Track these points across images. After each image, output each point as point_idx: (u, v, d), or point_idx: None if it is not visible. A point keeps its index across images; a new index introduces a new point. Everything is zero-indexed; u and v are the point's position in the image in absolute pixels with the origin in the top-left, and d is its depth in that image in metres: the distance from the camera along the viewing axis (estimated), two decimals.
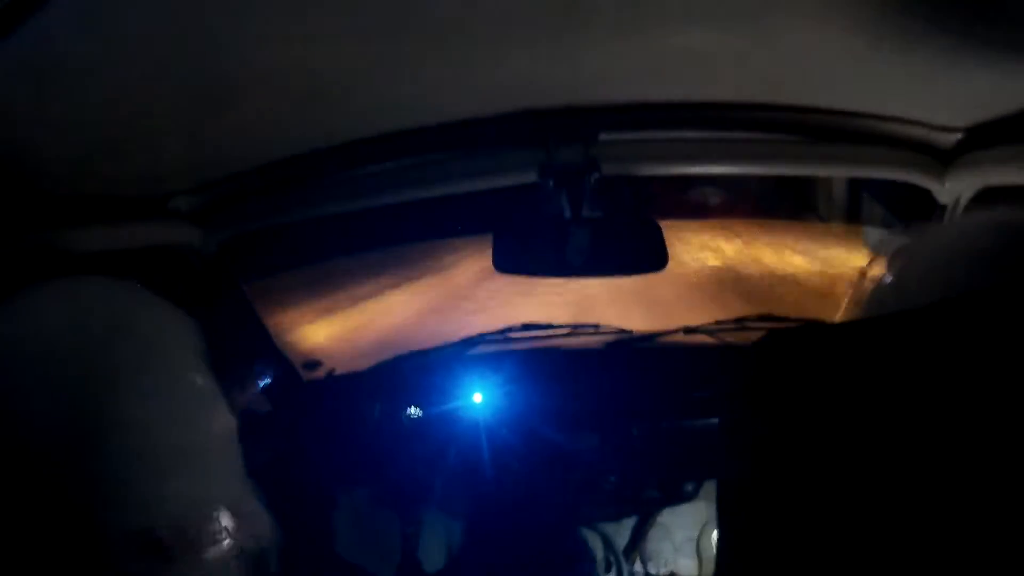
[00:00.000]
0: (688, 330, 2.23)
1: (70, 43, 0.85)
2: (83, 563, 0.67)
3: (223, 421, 0.78)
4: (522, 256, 1.67)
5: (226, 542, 0.74)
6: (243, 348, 2.00)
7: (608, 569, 2.25)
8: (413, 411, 2.11)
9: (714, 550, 2.27)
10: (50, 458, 0.67)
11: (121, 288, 0.80)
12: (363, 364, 2.33)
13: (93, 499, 0.67)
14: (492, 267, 1.67)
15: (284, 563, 0.83)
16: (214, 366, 0.80)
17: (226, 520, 0.74)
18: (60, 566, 0.67)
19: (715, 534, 2.24)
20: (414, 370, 2.28)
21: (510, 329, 2.37)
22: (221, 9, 0.85)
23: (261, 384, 1.70)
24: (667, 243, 1.59)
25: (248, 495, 0.79)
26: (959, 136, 1.50)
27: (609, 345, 2.24)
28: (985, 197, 1.55)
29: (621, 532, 2.29)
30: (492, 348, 2.32)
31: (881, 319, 0.71)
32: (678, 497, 2.24)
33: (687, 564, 2.28)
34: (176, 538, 0.70)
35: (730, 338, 2.17)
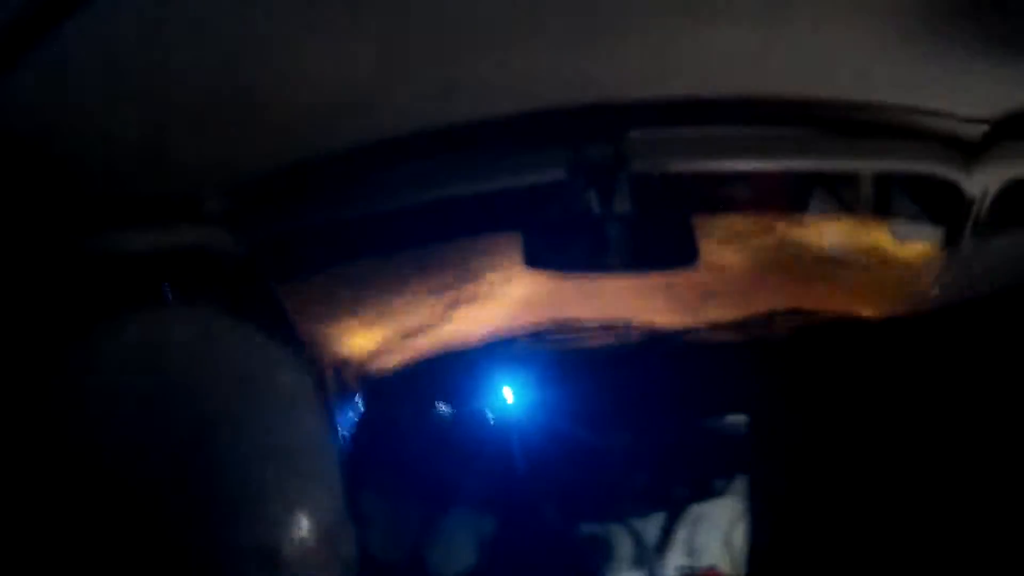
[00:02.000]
0: (718, 325, 2.23)
1: (100, 46, 0.87)
2: None
3: (312, 426, 0.80)
4: (552, 253, 1.67)
5: (324, 548, 0.76)
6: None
7: (638, 566, 2.25)
8: (446, 411, 2.12)
9: (744, 546, 2.26)
10: (152, 486, 0.69)
11: (196, 310, 0.83)
12: (394, 364, 2.35)
13: (206, 518, 0.69)
14: (522, 265, 1.68)
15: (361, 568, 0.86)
16: (308, 366, 0.82)
17: (324, 526, 0.76)
18: None
19: (745, 530, 2.24)
20: (445, 370, 2.29)
21: (540, 327, 2.38)
22: (254, 10, 0.87)
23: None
24: (697, 238, 1.60)
25: (342, 501, 0.81)
26: (986, 128, 1.50)
27: (640, 342, 2.24)
28: (1013, 189, 1.54)
29: (651, 529, 2.29)
30: (521, 346, 2.33)
31: (914, 315, 0.72)
32: (708, 494, 2.23)
33: (718, 560, 2.28)
34: (288, 547, 0.73)
35: (760, 333, 2.16)
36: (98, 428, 0.69)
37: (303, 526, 0.73)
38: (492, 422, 2.14)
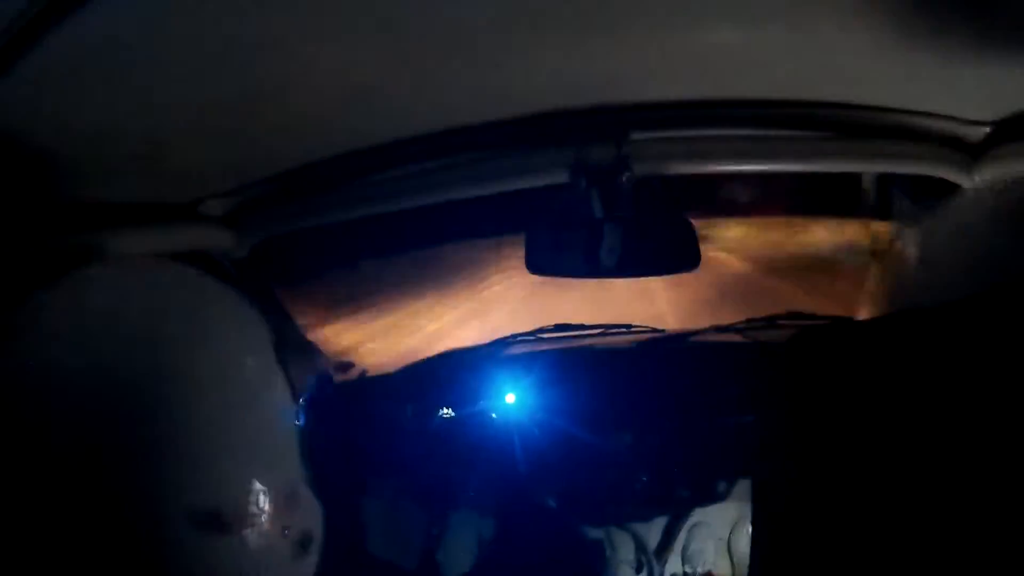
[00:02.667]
0: (719, 328, 2.23)
1: (101, 49, 0.87)
2: (147, 539, 0.70)
3: (280, 401, 0.80)
4: (554, 257, 1.67)
5: (276, 522, 0.76)
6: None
7: (639, 569, 2.25)
8: (445, 412, 2.12)
9: (746, 549, 2.26)
10: (108, 442, 0.69)
11: (169, 270, 0.82)
12: (395, 365, 2.35)
13: (157, 479, 0.69)
14: (524, 268, 1.68)
15: (323, 551, 0.86)
16: (274, 342, 0.82)
17: (278, 500, 0.77)
18: (123, 543, 0.69)
19: (747, 533, 2.24)
20: (446, 371, 2.29)
21: (542, 329, 2.38)
22: (254, 14, 0.87)
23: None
24: (699, 242, 1.59)
25: (298, 479, 0.81)
26: (988, 130, 1.50)
27: (641, 344, 2.25)
28: (1015, 190, 1.54)
29: (652, 532, 2.29)
30: (524, 348, 2.33)
31: (913, 316, 0.71)
32: (710, 496, 2.24)
33: (719, 563, 2.28)
34: (236, 515, 0.73)
35: (761, 336, 2.16)
36: (48, 387, 0.69)
37: (251, 494, 0.74)
38: (494, 423, 2.15)
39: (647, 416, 2.12)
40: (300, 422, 0.82)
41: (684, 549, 2.26)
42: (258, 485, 0.74)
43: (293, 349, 0.82)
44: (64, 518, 0.69)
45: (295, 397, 0.82)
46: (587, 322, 2.39)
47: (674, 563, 2.26)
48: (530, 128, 1.49)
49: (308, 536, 0.81)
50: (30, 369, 0.72)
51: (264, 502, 0.75)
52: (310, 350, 2.11)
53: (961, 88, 1.33)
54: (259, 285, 1.92)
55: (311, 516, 0.82)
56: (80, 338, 0.72)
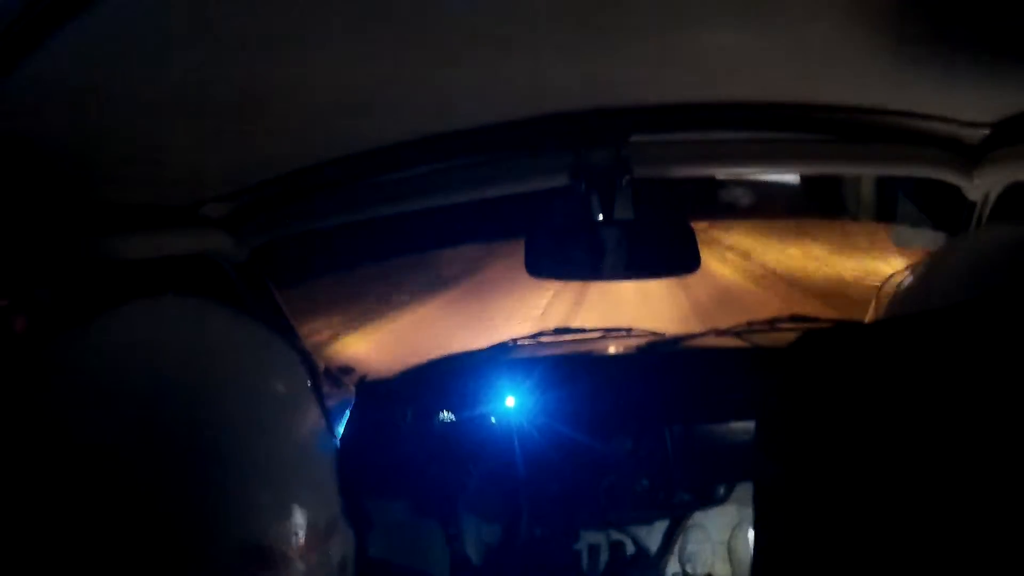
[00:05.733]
0: (719, 332, 2.23)
1: (102, 51, 0.87)
2: (194, 573, 0.70)
3: (308, 428, 0.80)
4: (554, 259, 1.67)
5: (319, 551, 0.77)
6: None
7: (640, 571, 2.25)
8: (446, 415, 2.12)
9: (746, 552, 2.27)
10: (148, 480, 0.69)
11: (195, 305, 0.82)
12: (396, 369, 2.35)
13: (198, 515, 0.70)
14: (524, 271, 1.68)
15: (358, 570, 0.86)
16: (302, 370, 0.82)
17: (318, 529, 0.77)
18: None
19: (747, 536, 2.24)
20: (446, 375, 2.29)
21: (542, 333, 2.38)
22: (254, 18, 0.87)
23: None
24: (698, 244, 1.59)
25: (337, 502, 0.81)
26: (987, 132, 1.50)
27: (641, 348, 2.24)
28: (1014, 192, 1.55)
29: (653, 535, 2.29)
30: (524, 352, 2.33)
31: (915, 318, 0.71)
32: (710, 500, 2.23)
33: (720, 566, 2.28)
34: (281, 546, 0.73)
35: (761, 339, 2.16)
36: (93, 424, 0.69)
37: (295, 526, 0.74)
38: (494, 427, 2.14)
39: (647, 419, 2.12)
40: (336, 446, 0.82)
41: (681, 552, 2.27)
42: (300, 516, 0.75)
43: (321, 372, 0.83)
44: (107, 558, 0.69)
45: (328, 421, 0.83)
46: (587, 325, 2.39)
47: (673, 565, 2.26)
48: (530, 131, 1.49)
49: (345, 561, 0.81)
50: (66, 405, 0.72)
51: (307, 532, 0.75)
52: (339, 371, 2.11)
53: (960, 90, 1.33)
54: (259, 288, 1.92)
55: (348, 541, 0.82)
56: (111, 379, 0.72)
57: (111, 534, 0.68)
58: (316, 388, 0.83)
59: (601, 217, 1.57)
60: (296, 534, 0.74)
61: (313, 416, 0.81)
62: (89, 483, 0.68)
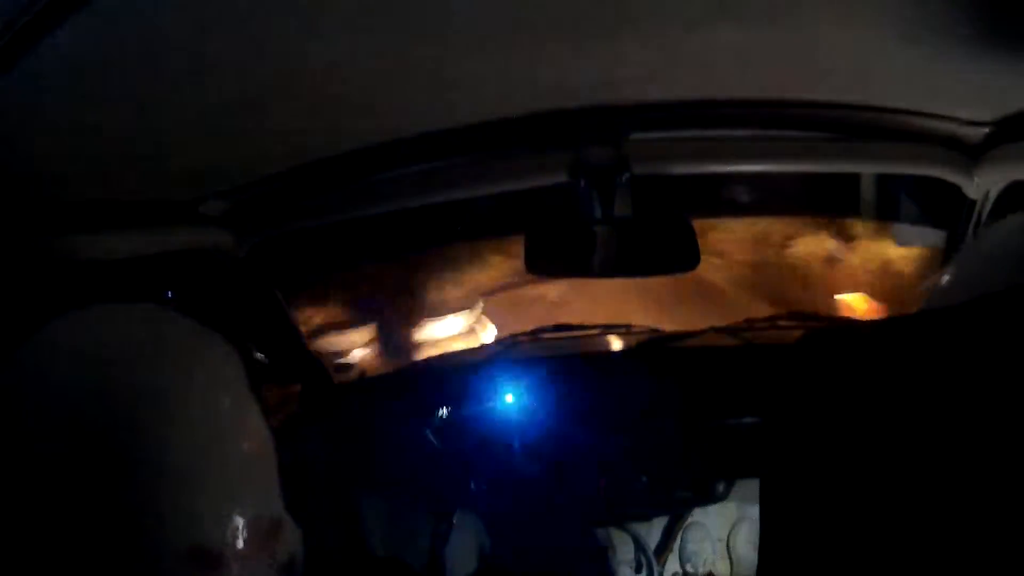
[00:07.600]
0: (719, 330, 2.22)
1: (101, 48, 0.87)
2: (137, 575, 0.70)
3: (257, 434, 0.81)
4: (554, 257, 1.67)
5: (263, 552, 0.77)
6: (275, 352, 2.02)
7: (639, 569, 2.25)
8: (444, 412, 2.12)
9: (745, 550, 2.27)
10: (91, 484, 0.70)
11: (145, 311, 0.83)
12: (394, 366, 2.35)
13: (141, 519, 0.70)
14: (523, 268, 1.67)
15: (312, 567, 0.86)
16: (247, 376, 0.83)
17: (261, 531, 0.77)
18: None
19: (746, 534, 2.24)
20: (445, 371, 2.29)
21: (542, 330, 2.38)
22: (252, 14, 0.87)
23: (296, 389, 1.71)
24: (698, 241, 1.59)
25: (280, 504, 0.82)
26: (987, 130, 1.50)
27: (641, 345, 2.24)
28: (1015, 191, 1.54)
29: (652, 532, 2.29)
30: (523, 349, 2.33)
31: (916, 317, 0.71)
32: (709, 497, 2.24)
33: (719, 564, 2.28)
34: (225, 551, 0.74)
35: (761, 338, 2.16)
36: (33, 428, 0.70)
37: (237, 527, 0.74)
38: (492, 424, 2.14)
39: (646, 417, 2.12)
40: (278, 450, 0.83)
41: (682, 550, 2.27)
42: (241, 519, 0.75)
43: (266, 379, 0.83)
44: (48, 561, 0.69)
45: (270, 427, 0.83)
46: (586, 323, 2.39)
47: (673, 563, 2.27)
48: (530, 128, 1.49)
49: (292, 559, 0.81)
50: (6, 409, 0.73)
51: (249, 534, 0.76)
52: (304, 355, 2.10)
53: (961, 89, 1.33)
54: (258, 285, 1.92)
55: (295, 539, 0.82)
56: (57, 383, 0.73)
57: (52, 538, 0.68)
58: (258, 391, 0.84)
59: (600, 214, 1.57)
60: (238, 535, 0.74)
61: (255, 419, 0.81)
62: (29, 487, 0.69)
